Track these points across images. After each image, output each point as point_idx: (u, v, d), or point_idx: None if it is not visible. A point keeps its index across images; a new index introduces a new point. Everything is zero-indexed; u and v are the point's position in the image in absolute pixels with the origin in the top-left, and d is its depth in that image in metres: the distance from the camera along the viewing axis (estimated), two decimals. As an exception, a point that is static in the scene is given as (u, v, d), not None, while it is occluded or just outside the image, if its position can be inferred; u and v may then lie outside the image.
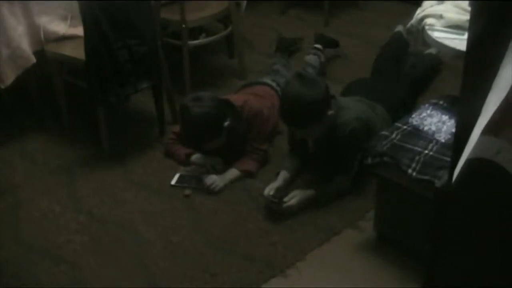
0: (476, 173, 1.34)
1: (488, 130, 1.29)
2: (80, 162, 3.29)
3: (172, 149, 3.25)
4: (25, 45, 3.24)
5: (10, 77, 3.22)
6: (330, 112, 2.80)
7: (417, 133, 2.50)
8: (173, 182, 3.09)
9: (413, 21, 2.89)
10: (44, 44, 3.31)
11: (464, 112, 1.39)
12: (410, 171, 2.33)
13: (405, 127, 2.55)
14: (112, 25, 2.99)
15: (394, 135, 2.49)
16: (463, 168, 1.34)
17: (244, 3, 4.05)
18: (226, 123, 3.02)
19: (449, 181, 1.42)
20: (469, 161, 1.35)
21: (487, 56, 1.26)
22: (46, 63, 3.36)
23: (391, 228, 2.62)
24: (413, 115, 2.62)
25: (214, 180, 3.04)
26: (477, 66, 1.31)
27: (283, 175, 2.99)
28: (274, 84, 3.49)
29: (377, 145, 2.46)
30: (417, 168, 2.32)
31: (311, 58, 3.92)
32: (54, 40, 3.34)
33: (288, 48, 4.15)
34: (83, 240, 2.78)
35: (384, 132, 2.54)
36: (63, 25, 3.36)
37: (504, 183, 1.30)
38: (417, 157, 2.35)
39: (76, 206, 2.99)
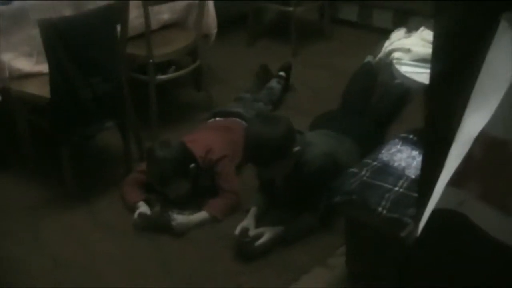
0: (441, 223, 1.32)
1: (452, 181, 1.27)
2: (44, 203, 3.20)
3: (126, 190, 3.15)
4: (-11, 82, 3.17)
5: (-27, 116, 3.15)
6: (296, 149, 2.78)
7: (386, 169, 2.47)
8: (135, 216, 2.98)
9: (381, 54, 2.89)
10: (8, 82, 3.24)
11: (427, 164, 1.37)
12: (380, 209, 2.30)
13: (374, 163, 2.52)
14: (78, 63, 2.94)
15: (363, 172, 2.46)
16: (428, 218, 1.32)
17: (213, 36, 4.04)
18: (192, 165, 3.01)
19: (415, 231, 1.39)
20: (434, 212, 1.32)
21: (448, 108, 1.24)
22: (10, 101, 3.28)
23: (363, 266, 2.58)
24: (383, 151, 2.59)
25: (179, 222, 2.95)
26: (439, 118, 1.29)
27: (253, 212, 2.94)
28: (244, 113, 3.52)
29: (345, 183, 2.42)
30: (387, 206, 2.29)
31: (274, 85, 3.94)
32: (19, 77, 3.25)
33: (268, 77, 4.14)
34: (46, 285, 2.68)
35: (353, 169, 2.51)
36: (28, 62, 3.27)
37: (467, 232, 1.29)
38: (386, 195, 2.32)
39: (39, 250, 2.89)
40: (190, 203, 3.11)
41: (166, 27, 3.84)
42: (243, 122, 3.48)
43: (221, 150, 3.16)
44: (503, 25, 1.06)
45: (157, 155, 2.96)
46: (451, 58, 1.26)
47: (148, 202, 3.05)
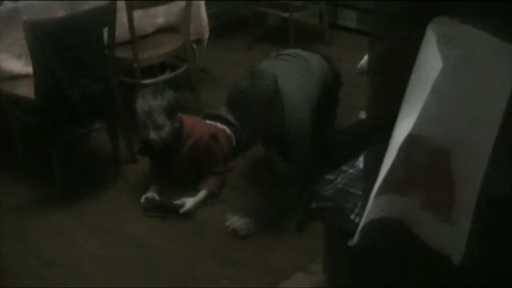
0: (384, 231, 1.33)
1: (395, 189, 1.27)
2: (33, 202, 3.24)
3: None
4: (-21, 84, 3.21)
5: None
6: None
7: (362, 176, 2.46)
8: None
9: (363, 61, 2.89)
10: (-1, 83, 3.28)
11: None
12: (353, 216, 2.29)
13: (351, 170, 2.51)
14: (64, 64, 2.97)
15: (339, 179, 2.45)
16: (370, 225, 1.33)
17: (206, 40, 4.05)
18: (178, 115, 3.13)
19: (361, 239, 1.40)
20: (379, 220, 1.33)
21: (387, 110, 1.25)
22: (1, 102, 3.32)
23: (340, 273, 2.57)
24: (360, 159, 2.58)
25: (184, 203, 3.08)
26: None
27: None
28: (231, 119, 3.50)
29: (321, 189, 2.42)
30: (360, 213, 2.29)
31: None
32: (8, 79, 3.29)
33: None
34: (29, 284, 2.71)
35: (329, 176, 2.50)
36: (18, 64, 3.31)
37: (408, 241, 1.29)
38: (359, 202, 2.31)
39: (24, 248, 2.93)
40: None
41: (161, 30, 3.87)
42: (230, 132, 3.47)
43: (205, 129, 3.27)
44: (428, 32, 1.07)
45: (147, 91, 3.08)
46: (385, 64, 1.27)
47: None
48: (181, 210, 3.05)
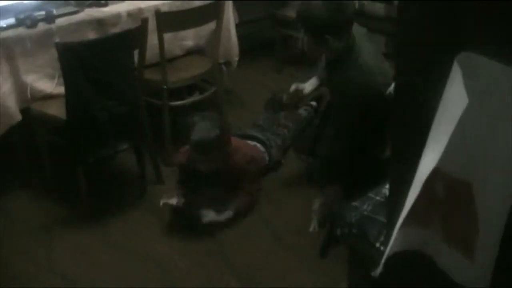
0: (406, 264, 1.31)
1: (417, 221, 1.26)
2: (60, 221, 3.28)
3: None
4: (11, 103, 3.25)
5: (-6, 134, 3.23)
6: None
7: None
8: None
9: (391, 88, 2.87)
10: (30, 102, 3.33)
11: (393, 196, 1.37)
12: (378, 244, 2.28)
13: (377, 197, 2.50)
14: (94, 85, 3.01)
15: (365, 206, 2.45)
16: (392, 258, 1.31)
17: (235, 63, 4.08)
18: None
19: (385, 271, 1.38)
20: (400, 253, 1.32)
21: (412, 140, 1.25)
22: (31, 121, 3.37)
23: (364, 300, 2.55)
24: (386, 186, 2.57)
25: (210, 219, 3.12)
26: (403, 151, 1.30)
27: None
28: (264, 139, 3.54)
29: (346, 215, 2.41)
30: (385, 241, 2.27)
31: (302, 112, 3.95)
32: (40, 98, 3.35)
33: (279, 106, 4.14)
34: (54, 304, 2.75)
35: (355, 203, 2.49)
36: (50, 84, 3.37)
37: (432, 274, 1.28)
38: (385, 230, 2.30)
39: (51, 267, 2.96)
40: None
41: (191, 53, 3.91)
42: (262, 149, 3.52)
43: (248, 152, 3.31)
44: (455, 64, 1.07)
45: (201, 125, 3.05)
46: (412, 94, 1.26)
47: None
48: (204, 220, 3.09)
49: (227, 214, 3.17)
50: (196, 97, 3.86)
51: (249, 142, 3.54)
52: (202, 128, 3.04)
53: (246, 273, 2.86)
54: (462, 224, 1.21)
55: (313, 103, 4.03)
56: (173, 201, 3.14)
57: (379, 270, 1.27)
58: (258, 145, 3.56)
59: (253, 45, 4.97)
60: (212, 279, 2.84)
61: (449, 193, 1.20)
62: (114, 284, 2.83)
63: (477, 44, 1.09)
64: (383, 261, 1.24)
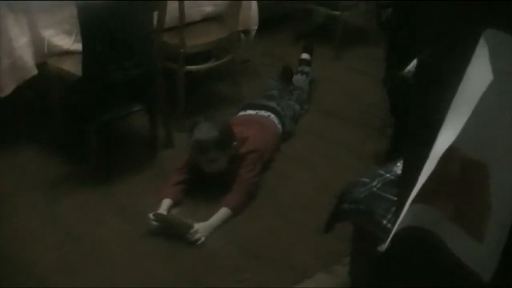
0: (414, 241, 1.30)
1: (427, 199, 1.25)
2: (67, 179, 3.28)
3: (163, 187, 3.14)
4: (28, 57, 3.25)
5: (9, 87, 3.22)
6: None
7: (398, 182, 2.43)
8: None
9: (410, 66, 2.84)
10: (47, 57, 3.32)
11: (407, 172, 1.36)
12: (384, 222, 2.27)
13: (388, 175, 2.48)
14: (111, 45, 2.99)
15: (374, 183, 2.43)
16: (403, 234, 1.30)
17: (254, 32, 4.05)
18: (234, 143, 3.09)
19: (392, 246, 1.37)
20: (408, 229, 1.30)
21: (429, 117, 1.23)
22: (46, 76, 3.37)
23: (364, 277, 2.55)
24: (398, 164, 2.55)
25: (197, 231, 2.87)
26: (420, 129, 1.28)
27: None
28: (279, 109, 3.55)
29: (354, 191, 2.40)
30: (392, 219, 2.26)
31: (299, 79, 3.96)
32: (57, 54, 3.34)
33: (290, 77, 4.12)
34: (56, 257, 2.75)
35: (365, 179, 2.47)
36: (68, 40, 3.36)
37: (439, 254, 1.27)
38: (393, 208, 2.28)
39: (54, 222, 2.97)
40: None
41: (209, 19, 3.87)
42: (276, 120, 3.50)
43: (255, 143, 3.23)
44: (482, 41, 1.05)
45: (203, 125, 3.03)
46: (435, 71, 1.24)
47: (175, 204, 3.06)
48: (190, 238, 2.84)
49: (222, 213, 2.99)
50: (212, 63, 3.83)
51: (263, 112, 3.53)
52: (204, 128, 3.02)
53: (249, 245, 2.86)
54: (474, 205, 1.20)
55: (305, 56, 4.24)
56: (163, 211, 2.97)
57: (385, 245, 1.26)
58: (272, 115, 3.54)
59: (272, 17, 4.92)
60: (210, 249, 2.83)
61: (464, 173, 1.19)
62: (117, 245, 2.84)
63: (504, 22, 1.07)
64: (391, 235, 1.23)
